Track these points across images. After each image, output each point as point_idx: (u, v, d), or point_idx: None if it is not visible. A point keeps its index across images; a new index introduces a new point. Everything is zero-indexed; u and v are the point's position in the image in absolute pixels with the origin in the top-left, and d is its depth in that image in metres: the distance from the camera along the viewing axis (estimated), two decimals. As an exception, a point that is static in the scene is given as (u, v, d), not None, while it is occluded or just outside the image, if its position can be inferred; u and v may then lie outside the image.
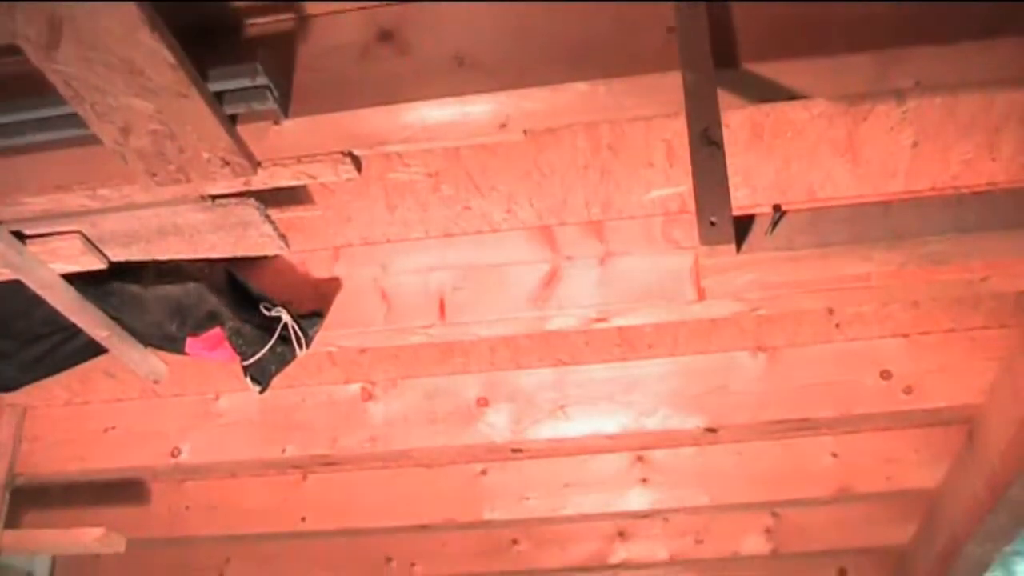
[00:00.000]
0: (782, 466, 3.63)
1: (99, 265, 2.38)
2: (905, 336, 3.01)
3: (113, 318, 2.56)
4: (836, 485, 3.59)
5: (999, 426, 2.86)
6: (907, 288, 2.40)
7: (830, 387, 3.03)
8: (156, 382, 2.91)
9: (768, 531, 4.25)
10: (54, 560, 4.79)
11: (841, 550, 4.58)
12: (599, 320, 2.53)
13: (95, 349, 2.69)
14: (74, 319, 2.53)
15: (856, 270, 2.30)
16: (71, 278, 2.43)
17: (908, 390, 2.98)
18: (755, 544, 4.27)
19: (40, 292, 2.43)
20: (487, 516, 3.78)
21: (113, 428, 3.39)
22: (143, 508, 3.97)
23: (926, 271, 2.28)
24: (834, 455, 3.59)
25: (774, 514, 4.24)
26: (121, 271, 2.47)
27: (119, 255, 2.39)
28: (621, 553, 4.38)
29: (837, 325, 2.97)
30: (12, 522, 3.84)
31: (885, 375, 3.00)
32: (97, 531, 3.32)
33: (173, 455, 3.34)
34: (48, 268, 2.37)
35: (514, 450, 3.32)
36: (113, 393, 3.38)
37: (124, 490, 3.93)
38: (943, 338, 3.00)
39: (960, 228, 2.21)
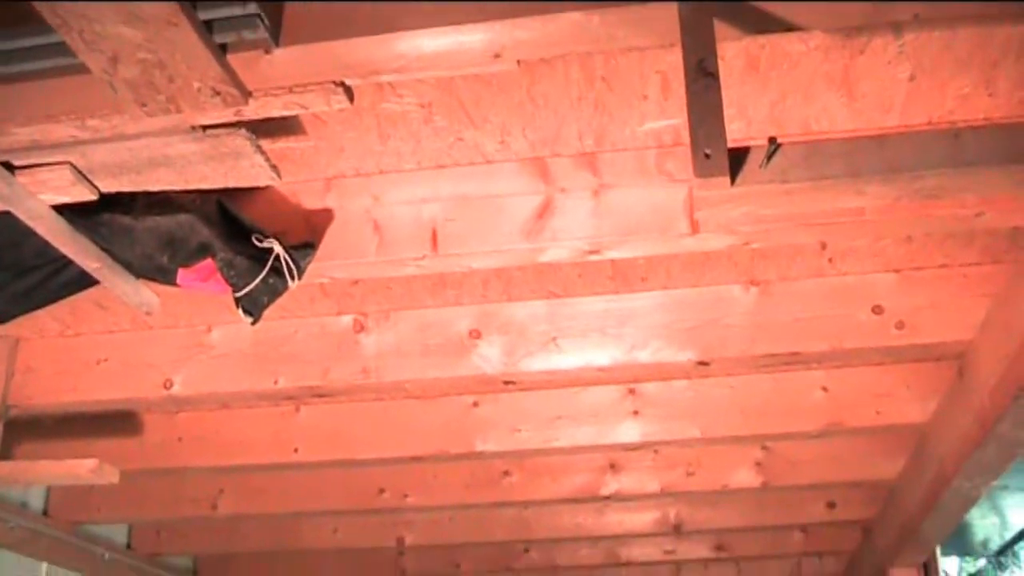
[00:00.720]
0: (773, 400, 3.64)
1: (89, 196, 2.37)
2: (897, 271, 3.01)
3: (104, 250, 2.55)
4: (826, 419, 3.60)
5: (990, 362, 2.87)
6: (900, 223, 2.39)
7: (822, 321, 3.03)
8: (148, 314, 2.90)
9: (758, 464, 4.28)
10: (48, 491, 4.82)
11: (830, 483, 4.62)
12: (592, 252, 2.52)
13: (86, 281, 2.68)
14: (65, 251, 2.52)
15: (850, 204, 2.30)
16: (61, 209, 2.42)
17: (900, 325, 2.98)
18: (745, 477, 4.30)
19: (30, 223, 2.42)
20: (479, 448, 3.79)
21: (105, 360, 3.40)
22: (136, 439, 3.98)
23: (920, 206, 2.28)
24: (825, 389, 3.60)
25: (764, 447, 4.27)
26: (111, 202, 2.45)
27: (109, 186, 2.37)
28: (612, 485, 4.41)
29: (830, 260, 2.97)
30: (6, 453, 3.86)
31: (877, 310, 3.00)
32: (90, 462, 3.33)
33: (165, 387, 3.34)
34: (38, 199, 2.35)
35: (506, 382, 3.33)
36: (105, 325, 3.37)
37: (117, 422, 3.94)
38: (936, 274, 3.00)
39: (955, 163, 2.21)
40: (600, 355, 3.13)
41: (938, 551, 4.88)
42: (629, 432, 3.71)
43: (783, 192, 2.31)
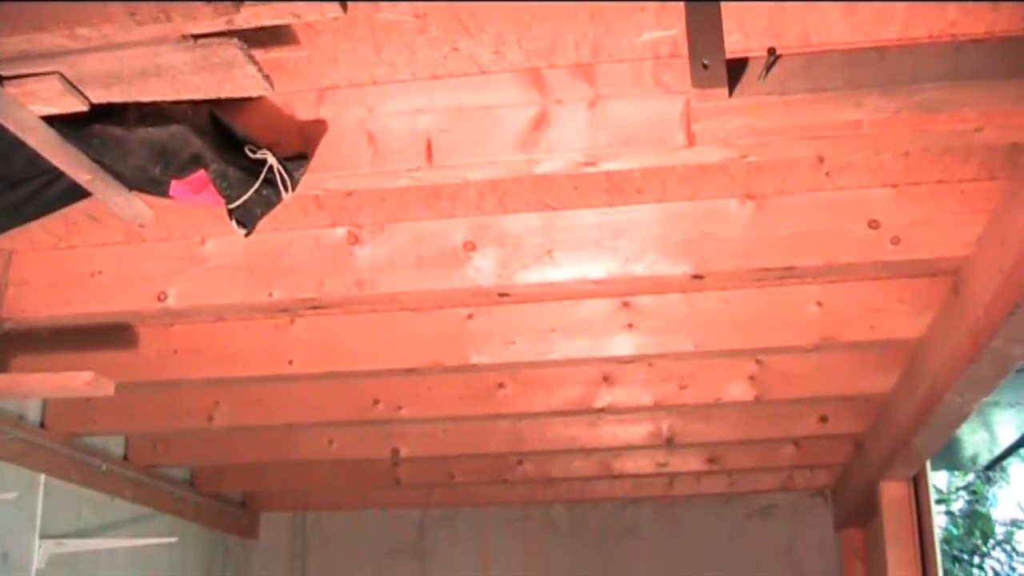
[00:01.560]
0: (767, 314, 3.65)
1: (80, 107, 2.34)
2: (895, 186, 3.00)
3: (96, 161, 2.52)
4: (820, 333, 3.61)
5: (985, 278, 2.86)
6: (899, 137, 2.38)
7: (817, 236, 3.03)
8: (141, 226, 2.89)
9: (752, 378, 4.30)
10: (45, 403, 4.85)
11: (823, 397, 4.65)
12: (587, 164, 2.51)
13: (78, 193, 2.66)
14: (56, 162, 2.49)
15: (848, 116, 2.28)
16: (52, 121, 2.39)
17: (896, 240, 2.97)
18: (738, 390, 4.32)
19: (20, 135, 2.39)
20: (473, 360, 3.81)
21: (99, 273, 3.39)
22: (131, 352, 3.99)
23: (919, 119, 2.27)
24: (819, 304, 3.61)
25: (758, 361, 4.28)
26: (103, 113, 2.42)
27: (100, 97, 2.34)
28: (606, 397, 4.43)
29: (827, 174, 2.95)
30: (2, 366, 3.88)
31: (873, 225, 2.99)
32: (86, 375, 3.34)
33: (160, 299, 3.34)
34: (27, 110, 2.33)
35: (501, 294, 3.33)
36: (98, 237, 3.36)
37: (112, 334, 3.95)
38: (933, 189, 2.99)
39: (956, 76, 2.19)
40: (595, 268, 3.12)
41: (928, 465, 4.93)
42: (623, 345, 3.73)
43: (781, 104, 2.29)
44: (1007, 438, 6.63)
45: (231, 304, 3.36)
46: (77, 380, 3.34)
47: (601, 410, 4.51)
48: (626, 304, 3.73)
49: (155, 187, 2.55)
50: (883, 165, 2.90)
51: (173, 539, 5.61)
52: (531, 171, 2.55)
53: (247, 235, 2.57)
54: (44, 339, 3.94)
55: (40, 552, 4.70)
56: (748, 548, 6.95)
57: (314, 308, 3.64)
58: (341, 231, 3.25)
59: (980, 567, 11.21)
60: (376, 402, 4.55)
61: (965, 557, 11.10)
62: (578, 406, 4.50)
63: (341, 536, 7.43)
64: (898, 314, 3.56)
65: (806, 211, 3.04)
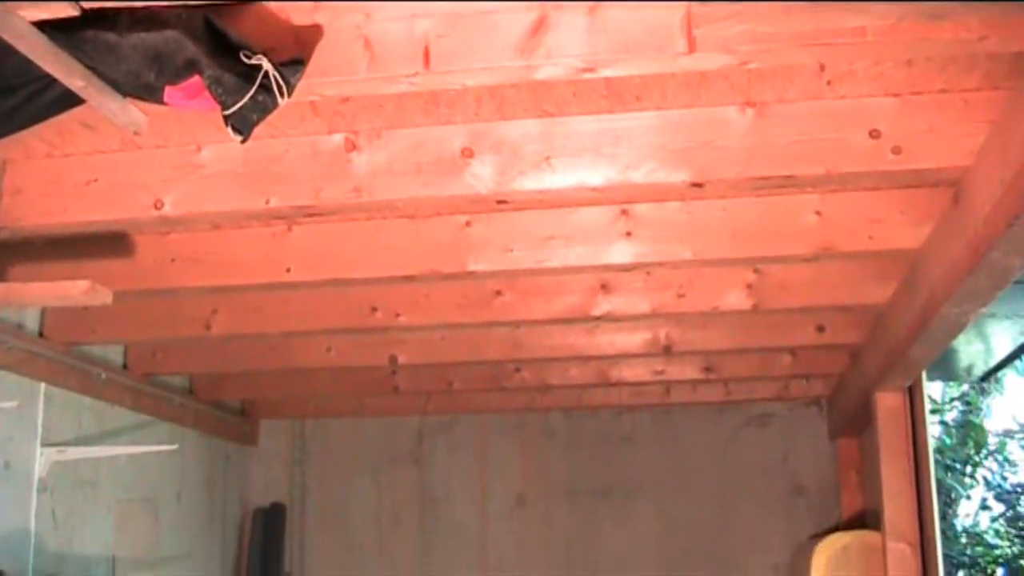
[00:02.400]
0: (766, 223, 3.64)
1: (71, 12, 2.31)
2: (896, 95, 2.97)
3: (88, 67, 2.49)
4: (819, 243, 3.61)
5: (985, 189, 2.85)
6: (901, 45, 2.35)
7: (818, 145, 3.00)
8: (136, 133, 2.87)
9: (749, 287, 4.30)
10: (43, 312, 4.85)
11: (820, 307, 4.66)
12: (587, 70, 2.48)
13: (72, 99, 2.64)
14: (48, 69, 2.46)
15: (851, 23, 2.26)
16: (43, 26, 2.36)
17: (896, 150, 2.95)
18: (736, 299, 4.32)
19: (11, 41, 2.36)
20: (471, 267, 3.80)
21: (95, 181, 3.37)
22: (128, 261, 3.98)
23: (923, 27, 2.24)
24: (818, 213, 3.59)
25: (756, 270, 4.28)
26: (95, 18, 2.39)
27: (92, 1, 2.31)
28: (604, 305, 4.43)
29: (828, 82, 2.92)
30: (-1, 276, 3.87)
31: (874, 134, 2.96)
32: (83, 284, 3.34)
33: (156, 207, 3.32)
34: (17, 16, 2.29)
35: (499, 201, 3.31)
36: (93, 145, 3.33)
37: (109, 243, 3.94)
38: (935, 98, 2.96)
39: (961, -19, 2.16)
40: (593, 175, 3.10)
41: (924, 376, 4.95)
42: (621, 253, 3.72)
43: (783, 10, 2.27)
44: (1003, 349, 6.66)
45: (228, 212, 3.34)
46: (74, 289, 3.33)
47: (599, 318, 4.52)
48: (624, 212, 3.71)
49: (149, 93, 2.52)
50: (885, 74, 2.86)
51: (173, 446, 5.65)
52: (530, 77, 2.52)
53: (243, 142, 2.55)
54: (40, 248, 3.92)
55: (42, 460, 4.75)
56: (743, 456, 7.02)
57: (311, 215, 3.63)
58: (338, 138, 3.22)
59: (972, 476, 11.34)
60: (374, 309, 4.56)
61: (958, 466, 11.23)
62: (576, 314, 4.51)
63: (340, 443, 7.50)
64: (897, 224, 3.54)
65: (806, 120, 3.01)
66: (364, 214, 3.76)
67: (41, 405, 4.81)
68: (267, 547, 7.05)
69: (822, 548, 5.32)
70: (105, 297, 3.43)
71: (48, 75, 2.50)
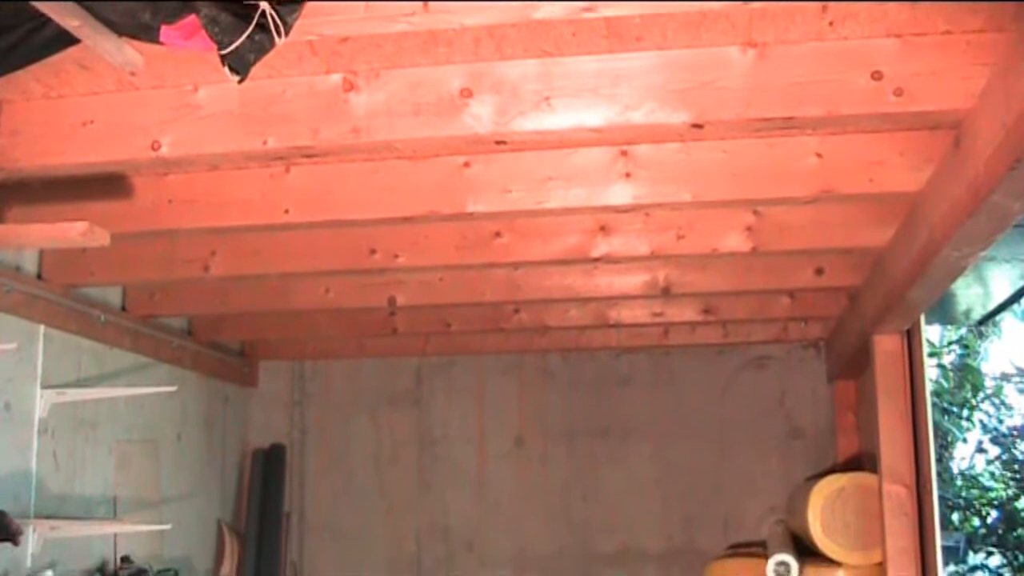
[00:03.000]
0: (766, 165, 3.63)
1: (67, -52, 2.29)
2: (899, 37, 2.94)
3: (83, 7, 2.47)
4: (819, 185, 3.60)
5: (987, 131, 2.83)
6: (905, -16, 2.32)
7: (819, 86, 2.98)
8: (132, 73, 2.85)
9: (749, 229, 4.29)
10: (42, 254, 4.85)
11: (820, 250, 4.66)
12: (587, 10, 2.46)
13: (67, 39, 2.62)
14: (43, 8, 2.44)
15: (854, -39, 2.23)
16: (38, -37, 2.34)
17: (898, 92, 2.93)
18: (735, 241, 4.32)
19: (6, -22, 2.34)
20: (470, 208, 3.79)
21: (91, 122, 3.34)
22: (126, 202, 3.97)
23: (926, -35, 2.21)
24: (818, 155, 3.58)
25: (756, 212, 4.27)
26: (90, -45, 2.37)
27: (88, -62, 2.29)
28: (603, 247, 4.43)
29: (830, 23, 2.89)
30: (-3, 218, 3.86)
31: (876, 76, 2.94)
32: (81, 225, 3.34)
33: (153, 148, 3.30)
34: (13, -48, 2.27)
35: (498, 142, 3.29)
36: (89, 86, 3.30)
37: (106, 185, 3.92)
38: (938, 40, 2.93)
39: (966, -81, 2.13)
40: (593, 116, 3.08)
41: (922, 319, 4.96)
42: (620, 194, 3.71)
43: (786, -52, 2.24)
44: (1001, 293, 6.65)
45: (226, 153, 3.33)
46: (72, 231, 3.33)
47: (598, 259, 4.51)
48: (624, 153, 3.70)
49: (145, 33, 2.50)
50: (888, 14, 2.84)
51: (172, 388, 5.67)
52: (529, 16, 2.51)
53: (240, 82, 2.54)
54: (38, 190, 3.91)
55: (42, 402, 4.77)
56: (741, 398, 7.05)
57: (309, 156, 3.61)
58: (336, 78, 3.20)
59: (969, 419, 11.40)
60: (373, 251, 4.55)
61: (954, 410, 11.28)
62: (575, 255, 4.51)
63: (339, 384, 7.53)
64: (898, 167, 3.53)
65: (808, 61, 2.98)
66: (362, 155, 3.74)
67: (41, 347, 4.82)
68: (267, 487, 7.10)
69: (818, 490, 5.35)
70: (103, 239, 3.43)
71: (43, 15, 2.48)
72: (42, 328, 4.83)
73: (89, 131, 3.34)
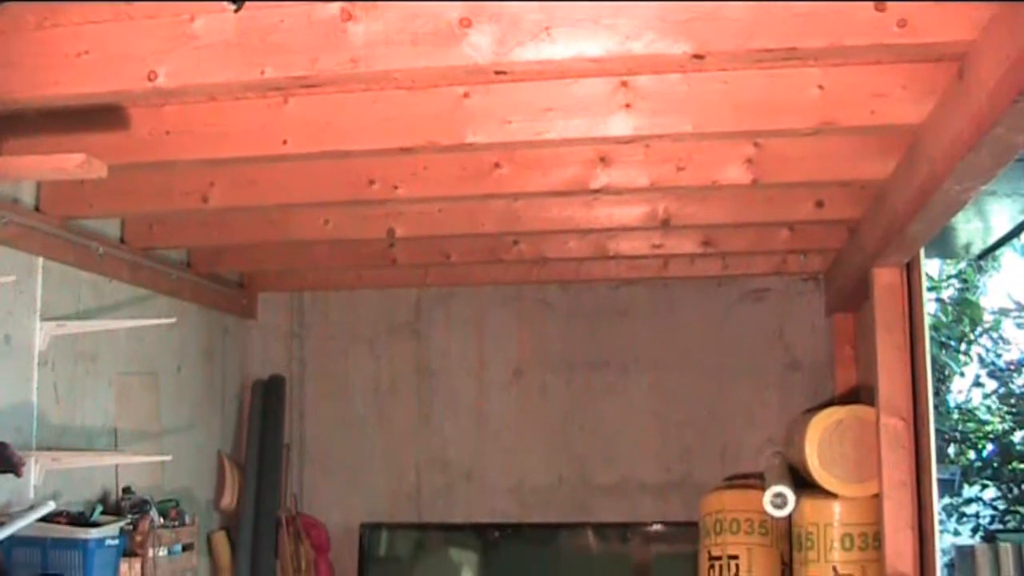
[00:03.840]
0: (767, 96, 3.60)
1: None
2: (903, -34, 2.91)
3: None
4: (820, 117, 3.58)
5: (991, 63, 2.80)
6: (910, -89, 2.29)
7: (821, 16, 2.94)
8: (128, 2, 2.82)
9: (749, 161, 4.27)
10: (39, 186, 4.83)
11: (820, 182, 4.65)
12: (587, -61, 2.42)
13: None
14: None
15: None
16: None
17: (902, 23, 2.89)
18: (735, 173, 4.30)
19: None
20: (469, 139, 3.77)
21: (87, 52, 3.30)
22: (123, 134, 3.94)
23: None
24: (820, 87, 3.55)
25: (756, 144, 4.25)
26: None
27: None
28: (602, 178, 4.41)
29: (834, -49, 2.86)
30: (-7, 150, 3.83)
31: (879, 7, 2.90)
32: (78, 157, 3.32)
33: (150, 79, 3.27)
34: None
35: (497, 72, 3.26)
36: (84, 16, 3.26)
37: (103, 116, 3.89)
38: (943, -30, 2.90)
39: None
40: (593, 46, 3.04)
41: (922, 253, 4.95)
42: (620, 125, 3.68)
43: None
44: (1001, 227, 6.65)
45: (223, 83, 3.29)
46: (69, 162, 3.32)
47: (597, 191, 4.50)
48: (624, 83, 3.66)
49: (141, -41, 2.47)
50: (892, -57, 2.80)
51: (172, 320, 5.68)
52: (529, -55, 2.47)
53: (236, 11, 2.51)
54: (34, 122, 3.88)
55: (41, 334, 4.78)
56: (740, 330, 7.06)
57: (307, 87, 3.58)
58: (334, 7, 3.15)
59: (966, 353, 11.42)
60: (372, 182, 4.54)
61: (952, 343, 11.30)
62: (574, 186, 4.49)
63: (338, 315, 7.55)
64: (900, 99, 3.50)
65: (810, -10, 2.95)
66: (361, 85, 3.71)
67: (39, 280, 4.82)
68: (266, 419, 7.13)
69: (816, 422, 5.37)
70: (100, 170, 3.41)
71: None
72: (40, 260, 4.83)
73: (84, 62, 3.30)
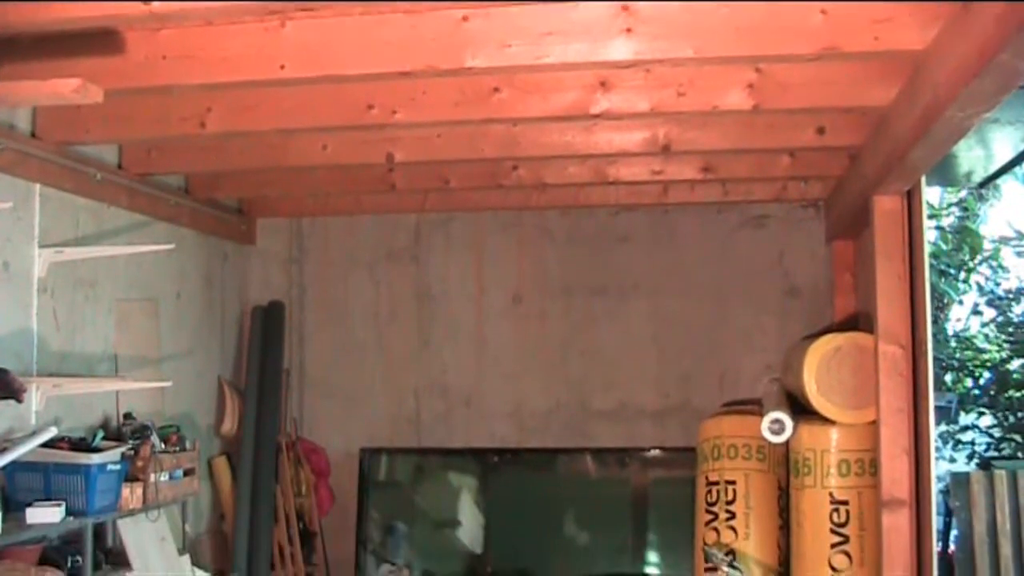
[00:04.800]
0: (769, 21, 3.57)
1: None
2: None
3: None
4: (823, 42, 3.54)
5: (998, -12, 2.77)
6: None
7: (825, -61, 2.91)
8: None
9: (750, 86, 4.23)
10: (35, 112, 4.79)
11: (822, 108, 4.62)
12: None
13: None
14: None
15: None
16: None
17: (907, -53, 2.86)
18: (736, 99, 4.27)
19: None
20: (469, 63, 3.73)
21: (79, -24, 3.27)
22: (119, 59, 3.90)
23: None
24: (823, 12, 3.51)
25: (758, 69, 4.21)
26: None
27: None
28: (602, 103, 4.38)
29: None
30: (-12, 75, 3.80)
31: (884, -69, 2.87)
32: (73, 82, 3.30)
33: (144, 2, 3.24)
34: None
35: (497, -6, 3.23)
36: (77, -61, 3.23)
37: (99, 41, 3.84)
38: None
39: None
40: (594, -31, 3.02)
41: (923, 180, 4.93)
42: (621, 50, 3.65)
43: None
44: (1003, 156, 6.61)
45: (219, 6, 3.27)
46: (65, 87, 3.29)
47: (597, 116, 4.47)
48: (625, 8, 3.62)
49: None
50: None
51: (171, 246, 5.67)
52: None
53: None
54: (29, 47, 3.84)
55: (40, 261, 4.78)
56: (739, 256, 7.07)
57: (305, 10, 3.55)
58: (332, -71, 3.12)
59: (966, 282, 11.42)
60: (370, 106, 4.50)
61: (952, 271, 11.29)
62: (574, 111, 4.46)
63: (337, 241, 7.54)
64: (904, 25, 3.46)
65: (816, -87, 2.91)
66: (359, 8, 3.67)
67: (37, 206, 4.81)
68: (266, 344, 7.15)
69: (815, 348, 5.38)
70: (96, 95, 3.39)
71: None
72: (38, 187, 4.81)
73: (77, -14, 3.27)
